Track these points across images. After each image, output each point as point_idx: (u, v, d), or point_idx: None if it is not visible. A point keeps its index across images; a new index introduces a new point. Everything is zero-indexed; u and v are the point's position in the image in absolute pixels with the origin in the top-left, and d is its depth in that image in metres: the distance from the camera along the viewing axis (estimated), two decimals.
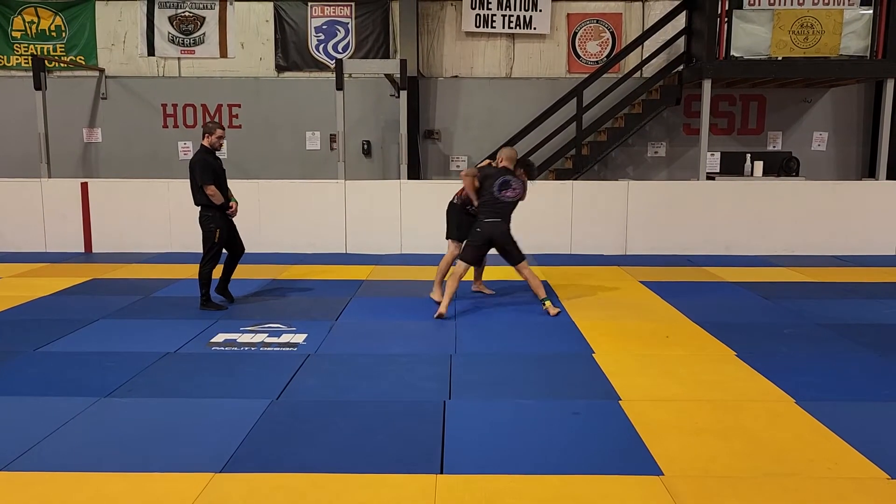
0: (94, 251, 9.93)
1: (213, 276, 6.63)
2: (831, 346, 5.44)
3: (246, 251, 9.64)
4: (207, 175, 6.37)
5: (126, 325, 6.02)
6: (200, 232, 6.56)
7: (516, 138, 11.02)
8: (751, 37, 10.18)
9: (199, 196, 6.50)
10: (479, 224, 6.40)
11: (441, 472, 3.31)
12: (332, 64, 11.50)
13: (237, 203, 6.72)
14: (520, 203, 6.57)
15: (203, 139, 6.52)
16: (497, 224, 6.37)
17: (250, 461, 3.42)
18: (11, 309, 6.54)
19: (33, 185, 10.03)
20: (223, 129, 6.60)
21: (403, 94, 9.94)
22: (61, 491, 3.14)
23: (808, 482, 3.24)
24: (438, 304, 6.43)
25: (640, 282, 7.87)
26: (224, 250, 6.76)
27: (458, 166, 12.15)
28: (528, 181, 6.63)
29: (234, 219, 6.78)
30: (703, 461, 3.44)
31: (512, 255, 6.45)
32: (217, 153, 6.62)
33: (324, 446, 3.60)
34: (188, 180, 6.56)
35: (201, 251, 6.60)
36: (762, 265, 8.97)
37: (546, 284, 7.64)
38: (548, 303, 6.42)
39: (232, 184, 10.16)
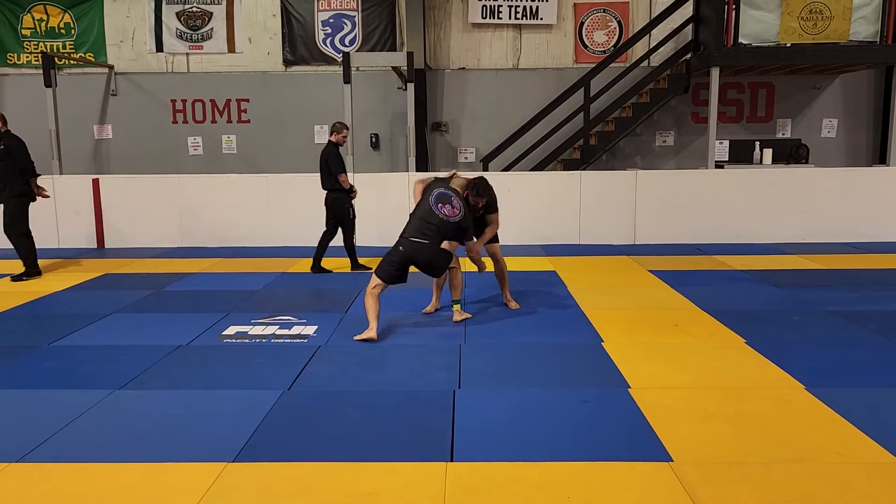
0: (106, 247, 10.01)
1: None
2: (841, 332, 5.42)
3: (255, 245, 9.90)
4: (341, 165, 7.69)
5: (139, 318, 6.08)
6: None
7: (523, 129, 11.03)
8: (759, 23, 10.12)
9: (329, 181, 7.72)
10: (401, 241, 5.52)
11: (451, 460, 3.33)
12: (339, 57, 11.52)
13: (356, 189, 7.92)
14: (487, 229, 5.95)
15: (331, 136, 7.79)
16: (424, 246, 5.41)
17: (262, 451, 3.46)
18: (26, 304, 6.62)
19: (45, 182, 10.03)
20: (347, 128, 7.92)
21: (411, 86, 9.96)
22: (76, 482, 3.19)
23: (819, 467, 3.24)
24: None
25: (649, 271, 7.86)
26: (326, 228, 7.92)
27: (465, 158, 12.16)
28: (481, 206, 5.75)
29: None
30: (712, 447, 3.45)
31: (437, 270, 5.64)
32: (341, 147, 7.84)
33: (335, 435, 3.64)
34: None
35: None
36: (772, 253, 8.94)
37: (555, 275, 7.65)
38: (456, 307, 5.80)
39: (241, 178, 10.32)
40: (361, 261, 8.10)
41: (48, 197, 8.06)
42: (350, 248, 8.00)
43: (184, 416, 3.92)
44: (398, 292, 7.05)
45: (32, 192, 7.81)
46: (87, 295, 7.07)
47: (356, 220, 8.06)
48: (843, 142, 12.03)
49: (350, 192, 7.83)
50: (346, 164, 9.82)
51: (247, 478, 3.19)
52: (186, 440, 3.59)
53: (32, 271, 7.75)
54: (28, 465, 3.34)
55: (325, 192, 7.83)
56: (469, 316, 5.93)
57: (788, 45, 10.09)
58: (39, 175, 8.00)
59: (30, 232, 7.80)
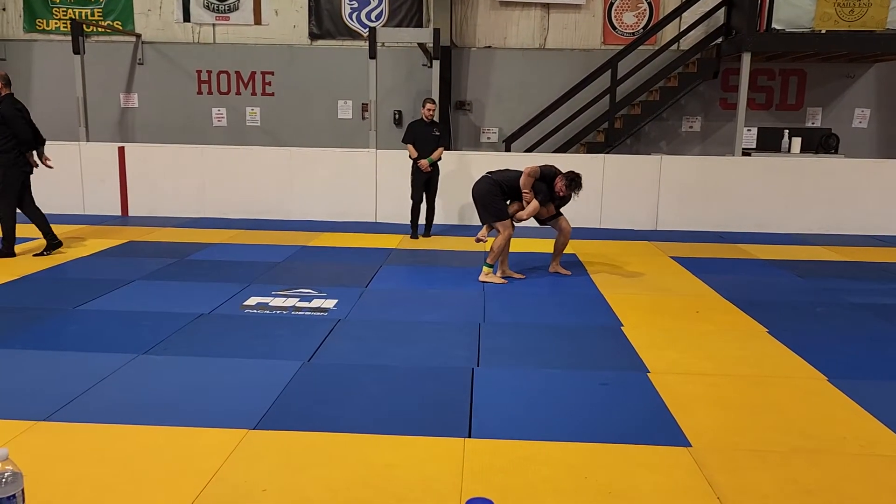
0: (130, 214, 10.11)
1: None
2: (866, 326, 5.35)
3: (276, 217, 10.12)
4: (408, 136, 8.59)
5: (161, 286, 6.15)
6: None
7: (548, 111, 10.92)
8: (793, 8, 9.89)
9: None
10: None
11: (469, 436, 3.35)
12: (365, 32, 11.46)
13: (428, 162, 8.49)
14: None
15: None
16: (480, 181, 6.60)
17: (283, 419, 3.49)
18: (52, 268, 6.71)
19: (72, 149, 10.19)
20: (433, 102, 8.66)
21: (436, 63, 9.88)
22: (101, 441, 3.25)
23: (839, 458, 3.22)
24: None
25: (671, 257, 7.80)
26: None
27: (488, 138, 12.08)
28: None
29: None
30: (731, 434, 3.44)
31: (484, 213, 6.57)
32: (427, 121, 8.57)
33: (354, 407, 3.67)
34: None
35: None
36: (797, 243, 8.83)
37: (574, 258, 7.62)
38: (485, 268, 6.53)
39: (264, 150, 10.38)
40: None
41: (50, 167, 7.40)
42: (411, 212, 8.81)
43: (206, 382, 3.98)
44: (417, 269, 7.07)
45: (29, 165, 7.17)
46: (111, 261, 7.15)
47: (420, 191, 8.68)
48: (874, 133, 11.80)
49: (416, 161, 8.55)
50: (375, 140, 10.02)
51: (267, 445, 3.23)
52: (209, 406, 3.64)
53: (52, 242, 7.30)
54: (55, 424, 3.40)
55: None
56: (496, 280, 6.49)
57: (823, 31, 9.86)
58: (45, 142, 7.33)
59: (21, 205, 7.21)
